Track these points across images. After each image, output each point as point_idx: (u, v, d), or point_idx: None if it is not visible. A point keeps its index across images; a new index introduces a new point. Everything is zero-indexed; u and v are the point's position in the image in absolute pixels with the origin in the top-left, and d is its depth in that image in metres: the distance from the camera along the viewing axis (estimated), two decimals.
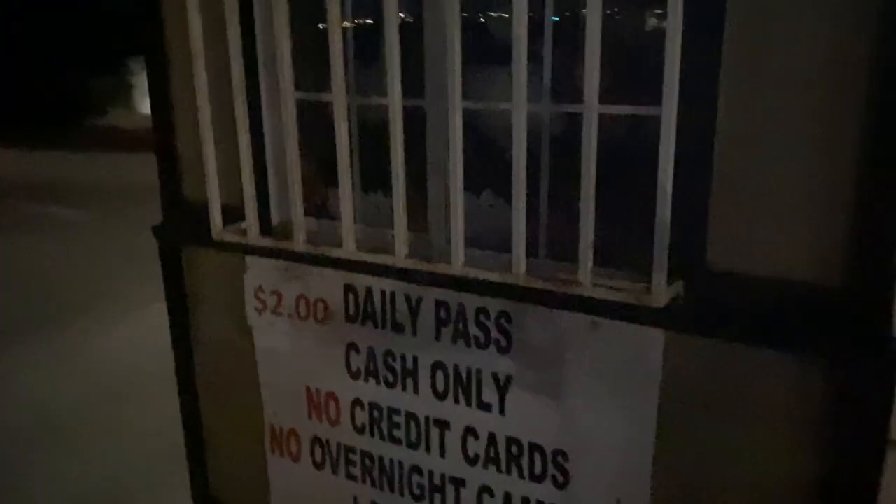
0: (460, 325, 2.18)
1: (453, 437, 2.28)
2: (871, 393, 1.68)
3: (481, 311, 2.13)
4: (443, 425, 2.29)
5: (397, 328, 2.29)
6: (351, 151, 2.22)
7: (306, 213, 2.30)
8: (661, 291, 1.81)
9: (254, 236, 2.37)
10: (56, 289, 6.10)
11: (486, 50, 2.24)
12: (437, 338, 2.22)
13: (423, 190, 2.22)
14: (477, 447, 2.25)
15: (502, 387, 2.16)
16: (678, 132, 1.72)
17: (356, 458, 2.50)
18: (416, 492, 2.40)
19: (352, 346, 2.39)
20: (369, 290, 2.31)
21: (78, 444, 3.84)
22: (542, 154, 2.11)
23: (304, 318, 2.45)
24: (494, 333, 2.13)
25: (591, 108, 1.79)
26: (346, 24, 2.32)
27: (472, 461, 2.27)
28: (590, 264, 1.89)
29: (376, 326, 2.33)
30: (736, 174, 1.75)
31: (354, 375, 2.41)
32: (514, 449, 2.19)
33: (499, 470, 2.23)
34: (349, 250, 2.22)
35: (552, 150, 2.11)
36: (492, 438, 2.22)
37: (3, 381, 4.52)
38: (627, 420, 1.99)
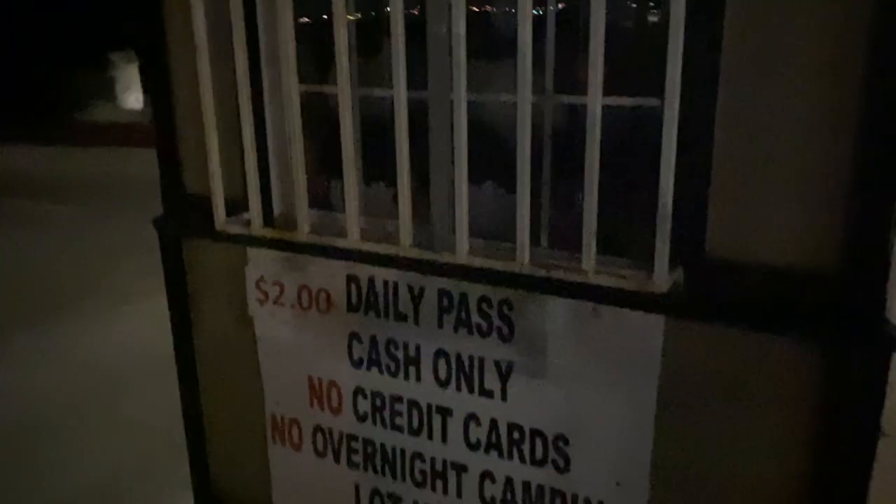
0: (462, 314, 2.21)
1: (455, 424, 2.32)
2: (866, 377, 1.73)
3: (483, 299, 2.17)
4: (445, 412, 2.33)
5: (400, 317, 2.32)
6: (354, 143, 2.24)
7: (307, 205, 2.32)
8: (663, 278, 1.86)
9: (257, 227, 2.39)
10: (47, 284, 6.08)
11: (488, 41, 2.27)
12: (440, 326, 2.26)
13: (423, 180, 2.25)
14: (479, 433, 2.29)
15: (504, 374, 2.20)
16: (679, 122, 1.77)
17: (358, 445, 2.53)
18: (419, 478, 2.44)
19: (354, 336, 2.42)
20: (372, 280, 2.34)
21: (78, 437, 3.84)
22: (545, 144, 2.14)
23: (306, 308, 2.48)
24: (496, 321, 2.16)
25: (595, 100, 1.83)
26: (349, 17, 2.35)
27: (473, 447, 2.31)
28: (593, 252, 1.93)
29: (379, 316, 2.36)
30: (735, 163, 1.80)
31: (357, 364, 2.44)
32: (515, 434, 2.23)
33: (500, 455, 2.27)
34: (354, 240, 2.25)
35: (553, 140, 2.15)
36: (493, 424, 2.26)
37: (0, 377, 4.52)
38: (627, 405, 2.04)
